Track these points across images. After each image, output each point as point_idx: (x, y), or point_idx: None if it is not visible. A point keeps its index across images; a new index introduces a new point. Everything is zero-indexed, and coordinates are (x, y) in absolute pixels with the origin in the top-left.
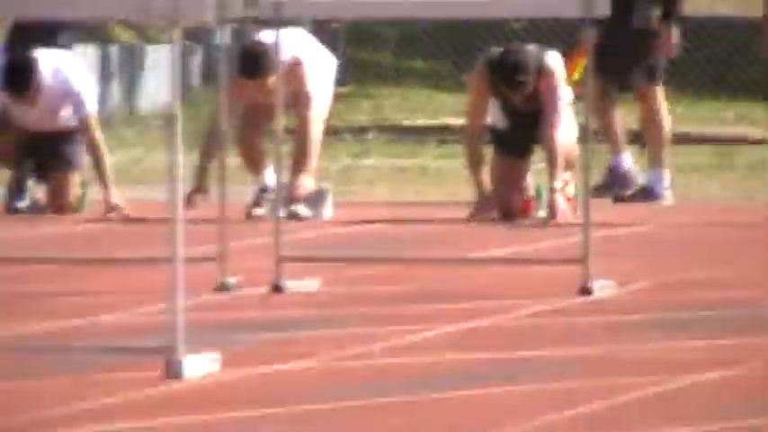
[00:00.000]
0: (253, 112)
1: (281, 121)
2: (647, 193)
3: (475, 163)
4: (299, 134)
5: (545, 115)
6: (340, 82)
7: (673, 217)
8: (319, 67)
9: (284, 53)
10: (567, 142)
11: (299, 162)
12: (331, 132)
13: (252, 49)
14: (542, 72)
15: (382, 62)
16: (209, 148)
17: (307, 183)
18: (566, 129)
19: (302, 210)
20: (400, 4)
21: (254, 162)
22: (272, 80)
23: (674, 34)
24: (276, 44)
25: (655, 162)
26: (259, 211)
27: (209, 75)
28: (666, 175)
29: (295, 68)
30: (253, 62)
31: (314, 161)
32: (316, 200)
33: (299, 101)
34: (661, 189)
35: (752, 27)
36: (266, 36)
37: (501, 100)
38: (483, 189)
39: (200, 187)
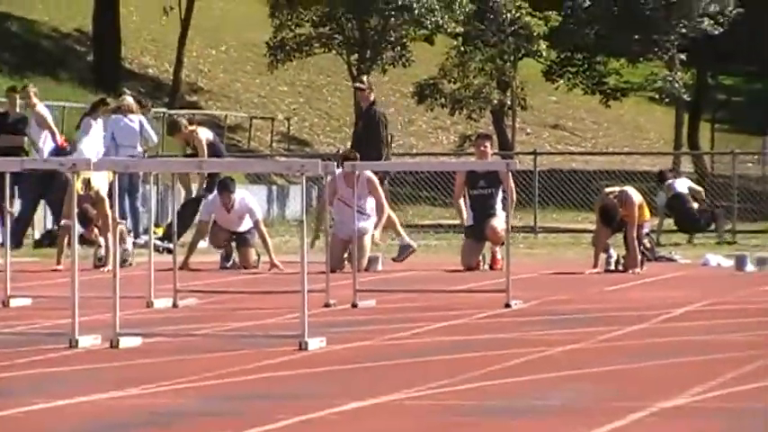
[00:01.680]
0: None
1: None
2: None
3: (458, 208)
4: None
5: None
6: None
7: (539, 268)
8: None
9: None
10: (503, 225)
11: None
12: None
13: None
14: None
15: None
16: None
17: None
18: (501, 217)
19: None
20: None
21: None
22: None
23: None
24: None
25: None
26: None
27: None
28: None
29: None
30: None
31: None
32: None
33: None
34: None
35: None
36: None
37: (468, 194)
38: (462, 216)
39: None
